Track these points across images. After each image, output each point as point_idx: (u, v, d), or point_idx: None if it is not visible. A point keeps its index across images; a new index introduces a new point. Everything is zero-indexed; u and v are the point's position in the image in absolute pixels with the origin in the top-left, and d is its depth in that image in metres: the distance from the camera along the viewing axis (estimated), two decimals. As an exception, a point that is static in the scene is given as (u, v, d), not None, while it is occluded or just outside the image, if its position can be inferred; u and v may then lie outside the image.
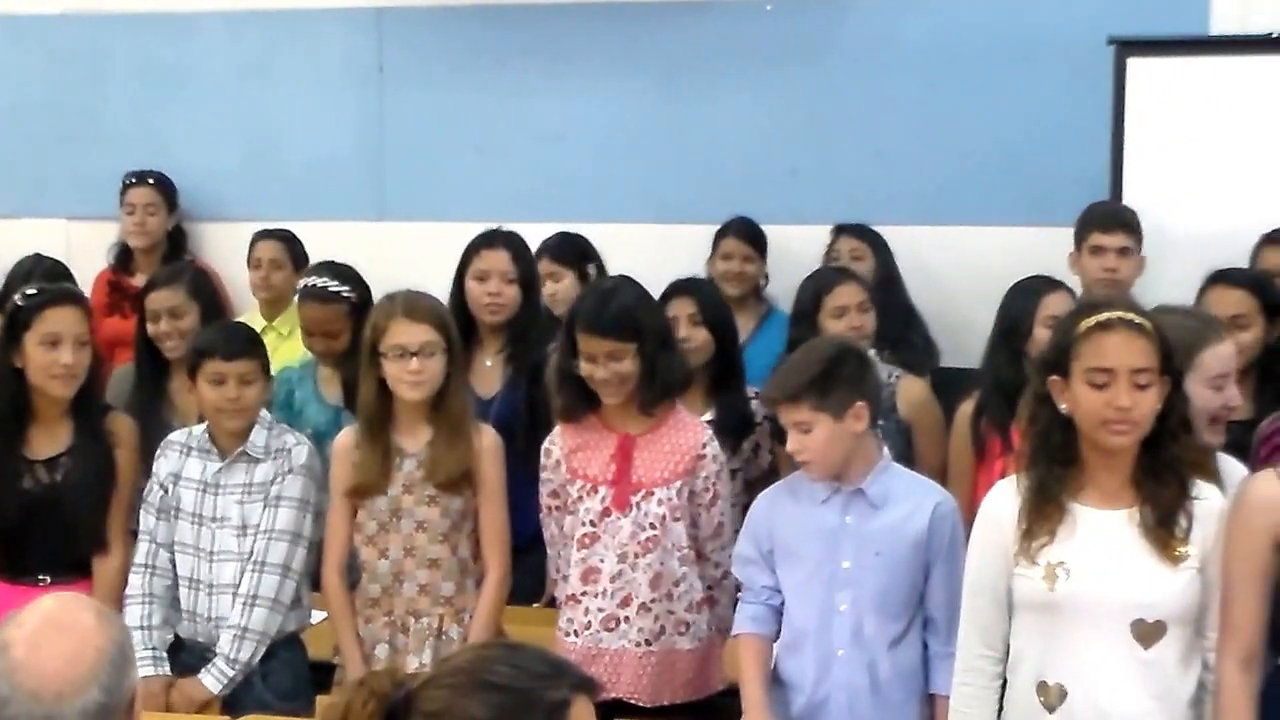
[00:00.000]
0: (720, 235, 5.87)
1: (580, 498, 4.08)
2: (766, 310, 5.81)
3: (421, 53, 6.54)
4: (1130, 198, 5.39)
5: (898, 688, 3.72)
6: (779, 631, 3.82)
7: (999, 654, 3.39)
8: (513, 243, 5.02)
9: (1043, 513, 3.29)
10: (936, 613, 3.72)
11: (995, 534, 3.36)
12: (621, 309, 4.03)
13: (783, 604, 3.81)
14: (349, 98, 6.64)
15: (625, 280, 4.24)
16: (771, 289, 5.83)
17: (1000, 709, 3.40)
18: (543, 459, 4.15)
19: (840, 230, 5.80)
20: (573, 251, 5.56)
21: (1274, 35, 5.40)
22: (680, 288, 4.85)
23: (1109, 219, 5.12)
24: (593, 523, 4.06)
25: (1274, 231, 5.12)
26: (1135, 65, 5.44)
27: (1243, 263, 4.93)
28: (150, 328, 4.88)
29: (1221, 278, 4.59)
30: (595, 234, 5.71)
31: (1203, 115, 5.40)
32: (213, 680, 4.11)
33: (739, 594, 3.92)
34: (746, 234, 5.86)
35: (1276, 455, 3.64)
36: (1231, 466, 3.53)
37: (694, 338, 4.73)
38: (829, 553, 3.73)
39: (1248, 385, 4.27)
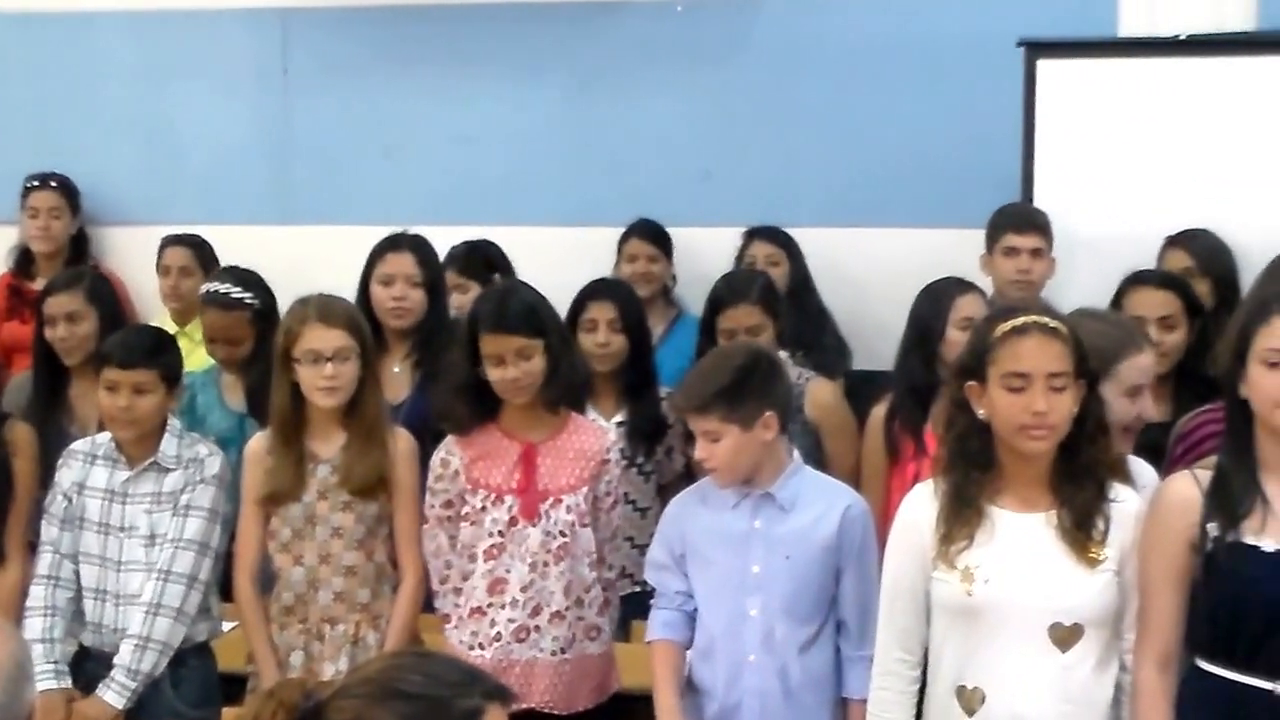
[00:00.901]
0: (625, 238, 5.84)
1: (484, 508, 4.02)
2: (676, 314, 5.79)
3: (327, 54, 6.48)
4: (1041, 199, 5.41)
5: (809, 692, 3.70)
6: (693, 637, 3.80)
7: (917, 658, 3.39)
8: (418, 246, 4.98)
9: (961, 517, 3.29)
10: (848, 616, 3.71)
11: (913, 538, 3.36)
12: (524, 306, 4.00)
13: (696, 609, 3.78)
14: (253, 100, 6.56)
15: (519, 282, 4.24)
16: (685, 292, 5.81)
17: (918, 713, 3.40)
18: (437, 469, 4.07)
19: (753, 235, 5.78)
20: (479, 263, 5.51)
21: (1181, 38, 5.43)
22: (600, 291, 4.83)
23: (1022, 220, 5.13)
24: (500, 533, 4.01)
25: (1178, 234, 5.14)
26: (1045, 67, 5.46)
27: (1150, 264, 4.95)
28: (48, 332, 4.80)
29: (1147, 279, 4.58)
30: (505, 238, 5.67)
31: (1112, 117, 5.42)
32: (114, 695, 4.02)
33: (652, 601, 3.89)
34: (650, 235, 5.83)
35: (1192, 455, 3.66)
36: (1142, 469, 3.54)
37: (613, 343, 4.71)
38: (739, 557, 3.71)
39: (1167, 386, 4.28)
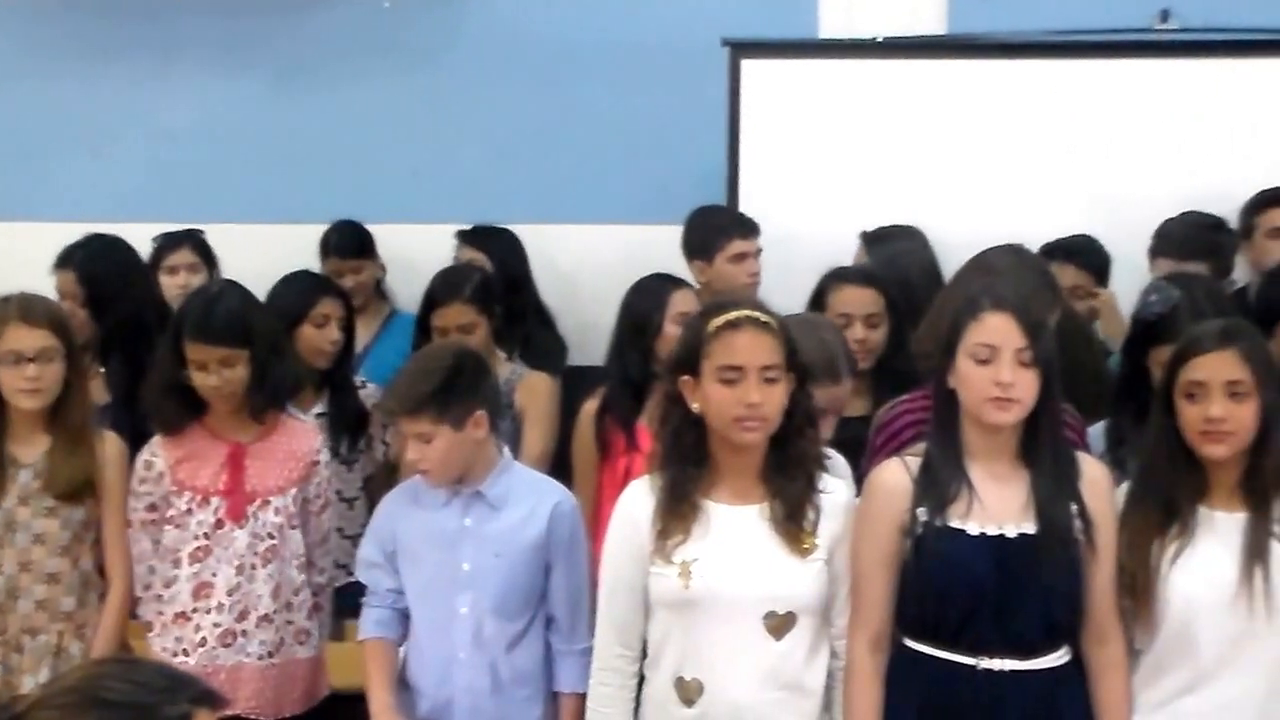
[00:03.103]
0: (323, 253, 5.69)
1: (189, 510, 3.97)
2: (389, 311, 5.72)
3: (21, 42, 6.24)
4: (746, 197, 5.50)
5: (519, 687, 3.73)
6: (406, 634, 3.80)
7: (636, 652, 3.43)
8: (80, 262, 4.88)
9: (677, 512, 3.33)
10: (558, 611, 3.75)
11: (631, 533, 3.39)
12: (230, 314, 3.96)
13: (408, 607, 3.79)
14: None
15: (230, 285, 4.16)
16: (397, 289, 5.75)
17: (638, 706, 3.44)
18: (141, 471, 4.00)
19: (459, 237, 5.73)
20: (199, 246, 5.42)
21: (879, 40, 5.58)
22: (332, 288, 4.85)
23: (747, 225, 5.15)
24: (206, 535, 3.96)
25: (875, 230, 5.26)
26: (749, 67, 5.55)
27: (848, 262, 5.07)
28: None
29: (851, 276, 4.66)
30: (209, 234, 5.55)
31: (814, 116, 5.55)
32: None
33: (363, 599, 3.86)
34: (348, 250, 5.66)
35: (892, 443, 3.74)
36: (837, 463, 3.65)
37: (340, 339, 4.71)
38: (449, 555, 3.72)
39: (866, 381, 4.38)
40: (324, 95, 6.15)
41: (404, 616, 3.80)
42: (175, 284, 5.29)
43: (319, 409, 4.68)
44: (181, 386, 3.94)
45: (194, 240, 5.46)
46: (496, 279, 5.31)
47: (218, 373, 3.90)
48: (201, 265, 5.39)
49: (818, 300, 4.58)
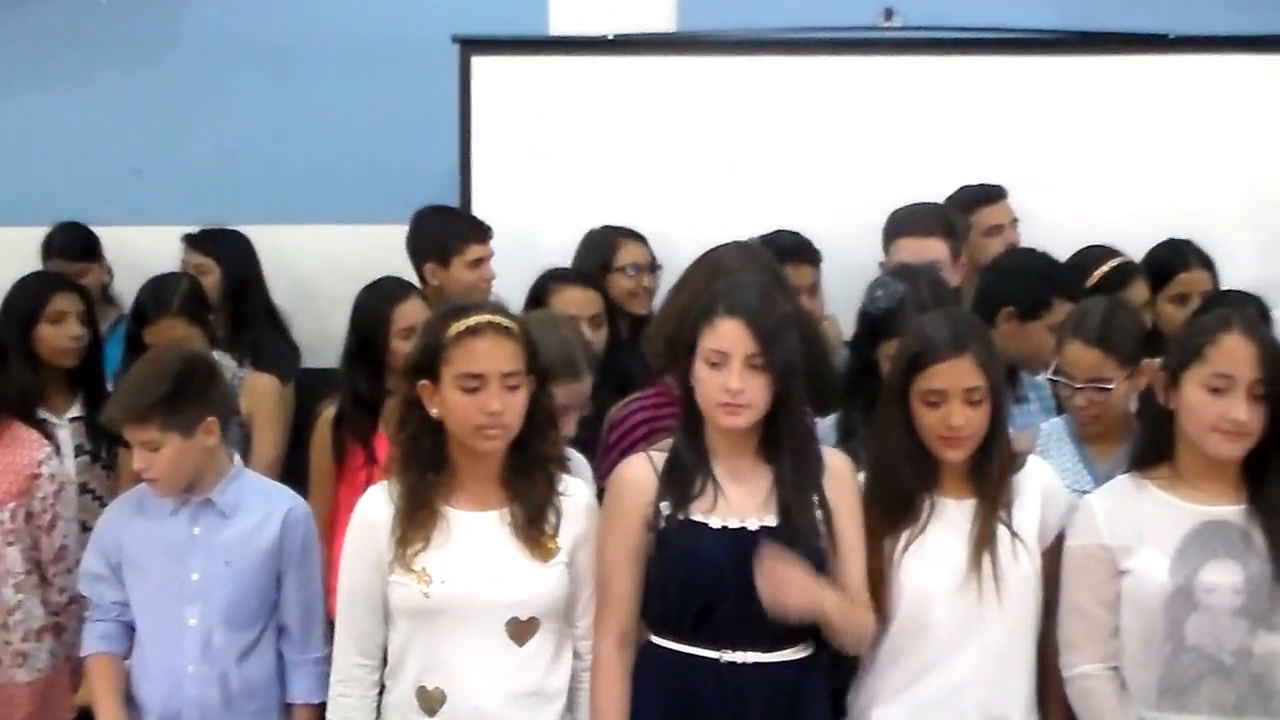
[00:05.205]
0: (46, 255, 5.52)
1: None
2: (117, 316, 5.55)
3: None
4: (478, 195, 5.48)
5: (251, 699, 3.67)
6: (131, 648, 3.71)
7: (376, 662, 3.38)
8: None
9: (416, 519, 3.30)
10: (291, 621, 3.70)
11: (370, 541, 3.34)
12: None
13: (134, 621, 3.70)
14: None
15: None
16: (124, 294, 5.57)
17: (379, 715, 3.39)
18: None
19: (188, 242, 5.58)
20: None
21: (609, 37, 5.60)
22: (64, 283, 4.74)
23: (482, 229, 5.07)
24: None
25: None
26: (480, 64, 5.52)
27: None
28: None
29: (573, 277, 4.67)
30: (-82, 239, 5.36)
31: (545, 114, 5.54)
32: None
33: (87, 613, 3.77)
34: (72, 252, 5.51)
35: (625, 441, 3.76)
36: (578, 461, 3.67)
37: (83, 335, 4.60)
38: (178, 565, 3.65)
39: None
40: (40, 92, 5.99)
41: (130, 630, 3.71)
42: None
43: (74, 412, 4.54)
44: None
45: None
46: (224, 281, 5.23)
47: None
48: None
49: (536, 301, 4.57)
